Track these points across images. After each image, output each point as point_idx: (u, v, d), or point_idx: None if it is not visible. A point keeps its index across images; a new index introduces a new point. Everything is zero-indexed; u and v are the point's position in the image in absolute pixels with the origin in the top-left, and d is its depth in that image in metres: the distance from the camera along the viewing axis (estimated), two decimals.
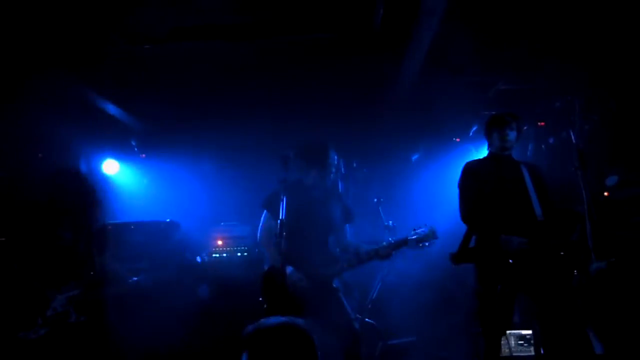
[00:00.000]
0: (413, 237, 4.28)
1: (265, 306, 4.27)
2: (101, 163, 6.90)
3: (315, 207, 4.29)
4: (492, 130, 4.31)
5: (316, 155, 4.37)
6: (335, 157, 4.46)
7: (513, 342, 5.22)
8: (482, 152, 5.21)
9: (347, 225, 4.55)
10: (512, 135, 4.24)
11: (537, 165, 4.46)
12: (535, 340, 5.21)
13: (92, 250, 4.21)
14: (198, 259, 5.80)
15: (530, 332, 5.20)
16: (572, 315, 3.98)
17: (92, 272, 4.15)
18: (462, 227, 4.49)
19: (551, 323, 4.04)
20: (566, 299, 3.98)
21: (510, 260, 3.93)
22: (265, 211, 4.46)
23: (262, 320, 2.21)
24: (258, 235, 4.49)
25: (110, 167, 6.99)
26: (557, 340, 4.04)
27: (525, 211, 4.08)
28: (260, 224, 4.47)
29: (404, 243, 4.26)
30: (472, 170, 4.33)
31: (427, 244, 4.29)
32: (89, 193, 4.32)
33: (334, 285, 4.30)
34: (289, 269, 4.08)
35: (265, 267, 4.45)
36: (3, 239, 4.23)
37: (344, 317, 4.19)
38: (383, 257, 4.24)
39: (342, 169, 6.26)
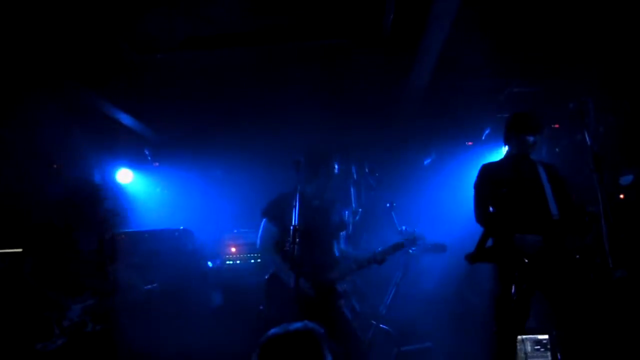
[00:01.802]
0: (404, 241, 4.39)
1: (264, 314, 4.30)
2: (115, 172, 6.94)
3: (318, 214, 4.30)
4: (513, 133, 4.30)
5: (319, 163, 4.39)
6: (337, 166, 4.47)
7: (529, 347, 5.15)
8: (496, 156, 5.18)
9: (342, 233, 4.58)
10: (534, 139, 4.23)
11: (554, 165, 4.45)
12: (551, 345, 5.15)
13: (105, 259, 4.24)
14: (209, 263, 5.82)
15: (546, 336, 5.14)
16: (588, 316, 3.94)
17: (106, 281, 4.17)
18: (477, 231, 4.47)
19: (567, 323, 4.01)
20: (582, 299, 3.95)
21: (525, 260, 3.90)
22: (264, 219, 4.45)
23: (282, 326, 2.22)
24: (258, 242, 4.49)
25: (125, 176, 7.03)
26: (574, 342, 4.00)
27: (540, 210, 4.08)
28: (260, 232, 4.47)
29: (398, 247, 4.35)
30: (488, 172, 4.35)
31: (413, 249, 4.35)
32: (102, 202, 4.35)
33: (337, 291, 4.32)
34: (291, 277, 4.05)
35: (266, 276, 4.45)
36: (19, 250, 4.26)
37: (344, 325, 4.20)
38: (379, 261, 4.32)
39: (354, 175, 6.25)
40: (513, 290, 3.93)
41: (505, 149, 4.52)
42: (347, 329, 4.20)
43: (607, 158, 3.98)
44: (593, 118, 4.02)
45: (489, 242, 4.23)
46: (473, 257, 4.21)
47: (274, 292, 4.26)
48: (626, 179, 5.17)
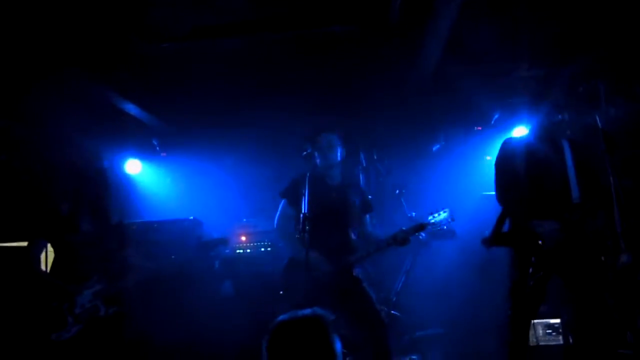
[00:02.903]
0: (430, 222, 4.29)
1: (285, 298, 4.30)
2: (124, 163, 6.97)
3: (332, 195, 4.27)
4: (552, 110, 4.18)
5: (313, 140, 4.38)
6: (332, 139, 4.42)
7: (541, 331, 5.16)
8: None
9: (368, 215, 4.54)
10: (562, 117, 4.13)
11: (583, 143, 4.30)
12: (563, 329, 5.14)
13: (113, 244, 4.26)
14: (216, 264, 5.84)
15: (558, 320, 5.14)
16: (603, 303, 3.91)
17: (114, 265, 4.19)
18: (486, 215, 4.45)
19: (582, 308, 3.99)
20: (598, 286, 3.92)
21: (540, 242, 3.87)
22: (284, 200, 4.47)
23: (291, 312, 2.24)
24: (275, 222, 4.51)
25: (133, 166, 7.06)
26: (588, 327, 3.98)
27: (561, 193, 4.02)
28: (278, 212, 4.49)
29: (421, 227, 4.28)
30: (509, 150, 4.25)
31: (444, 227, 4.28)
32: (106, 187, 4.36)
33: (355, 275, 4.29)
34: (311, 253, 4.05)
35: (285, 261, 4.47)
36: (25, 243, 4.28)
37: (368, 306, 4.18)
38: (400, 242, 4.22)
39: (363, 161, 6.25)
40: (529, 275, 3.92)
41: (519, 134, 4.40)
42: (372, 311, 4.19)
43: (618, 140, 3.91)
44: (604, 100, 3.98)
45: (506, 227, 4.18)
46: (490, 241, 4.17)
47: (294, 276, 4.23)
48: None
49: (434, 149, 7.17)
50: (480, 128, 6.76)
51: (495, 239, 4.16)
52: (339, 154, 4.44)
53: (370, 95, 6.34)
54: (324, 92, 6.19)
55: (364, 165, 6.22)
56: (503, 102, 6.27)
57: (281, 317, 2.23)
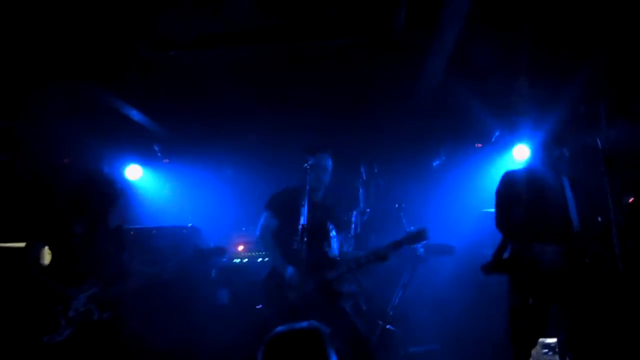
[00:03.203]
0: (404, 238, 4.30)
1: (263, 312, 4.32)
2: (124, 168, 6.98)
3: (316, 213, 4.28)
4: (551, 146, 4.26)
5: (307, 157, 4.37)
6: (327, 159, 4.47)
7: (537, 351, 5.13)
8: (505, 158, 5.15)
9: (342, 235, 4.63)
10: (564, 151, 4.20)
11: (581, 178, 4.37)
12: (560, 349, 5.11)
13: (110, 248, 4.25)
14: (213, 272, 5.83)
15: (555, 340, 5.11)
16: (603, 329, 3.90)
17: (111, 269, 4.18)
18: (484, 232, 4.46)
19: (583, 336, 3.98)
20: (598, 310, 3.91)
21: (540, 267, 3.88)
22: (267, 211, 4.50)
23: (288, 324, 2.24)
24: (257, 233, 4.52)
25: (134, 172, 7.06)
26: (587, 352, 3.97)
27: (561, 222, 4.04)
28: (261, 222, 4.50)
29: (398, 245, 4.25)
30: (510, 180, 4.31)
31: (418, 245, 4.31)
32: (108, 191, 4.36)
33: (341, 291, 4.32)
34: (289, 270, 4.15)
35: (264, 274, 4.49)
36: (22, 244, 4.28)
37: (346, 322, 4.18)
38: (380, 258, 4.25)
39: (363, 175, 6.25)
40: (530, 303, 3.91)
41: (519, 152, 4.43)
42: (350, 329, 4.19)
43: (618, 162, 3.93)
44: (604, 121, 4.00)
45: (506, 254, 4.18)
46: (490, 268, 4.18)
47: (272, 290, 4.27)
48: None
49: (435, 164, 7.19)
50: (480, 145, 6.78)
51: (495, 265, 4.17)
52: (328, 176, 4.51)
53: (372, 109, 6.37)
54: (326, 105, 6.22)
55: (364, 178, 6.21)
56: (504, 120, 6.29)
57: (278, 329, 2.22)
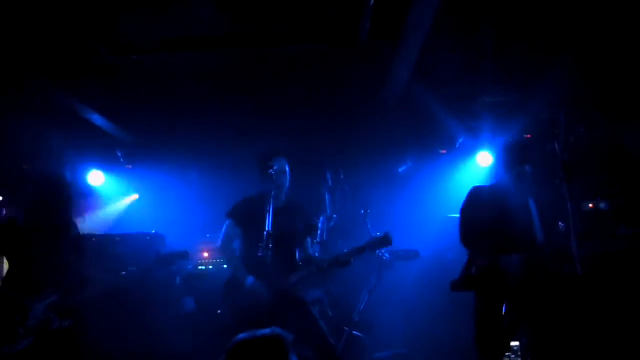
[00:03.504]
0: (367, 244, 4.31)
1: (222, 318, 4.29)
2: (86, 174, 6.84)
3: (277, 218, 4.24)
4: (512, 164, 4.32)
5: (261, 164, 4.39)
6: (284, 163, 4.44)
7: None
8: (469, 164, 5.23)
9: (309, 238, 4.58)
10: (530, 168, 4.28)
11: (547, 202, 4.44)
12: (522, 352, 5.19)
13: (70, 255, 4.16)
14: (177, 279, 5.75)
15: (517, 343, 5.19)
16: (563, 331, 3.99)
17: (71, 277, 4.09)
18: (450, 237, 4.53)
19: (544, 339, 4.07)
20: (559, 317, 4.00)
21: (503, 280, 3.98)
22: (229, 220, 4.47)
23: (250, 331, 2.22)
24: (219, 242, 4.49)
25: (96, 178, 6.93)
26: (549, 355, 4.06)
27: (526, 237, 4.13)
28: (223, 232, 4.47)
29: (362, 250, 4.28)
30: (476, 196, 4.38)
31: (383, 250, 4.33)
32: (65, 198, 4.27)
33: (299, 297, 4.29)
34: (249, 279, 4.13)
35: (225, 280, 4.46)
36: None
37: (313, 327, 4.18)
38: (343, 264, 4.26)
39: (330, 181, 6.27)
40: (500, 317, 3.98)
41: (482, 158, 4.51)
42: (318, 335, 4.18)
43: (577, 168, 4.04)
44: (564, 129, 4.10)
45: (472, 270, 4.24)
46: (458, 285, 4.25)
47: (232, 297, 4.24)
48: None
49: (401, 170, 7.25)
50: (445, 151, 6.87)
51: (463, 282, 4.23)
52: (288, 179, 4.48)
53: (338, 115, 6.40)
54: (292, 111, 6.22)
55: (330, 184, 6.23)
56: (467, 127, 6.39)
57: (240, 336, 2.21)
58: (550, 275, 4.09)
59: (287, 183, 4.47)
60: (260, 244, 3.97)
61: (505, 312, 4.01)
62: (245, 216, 4.37)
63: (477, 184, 4.63)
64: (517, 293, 4.00)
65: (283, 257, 4.26)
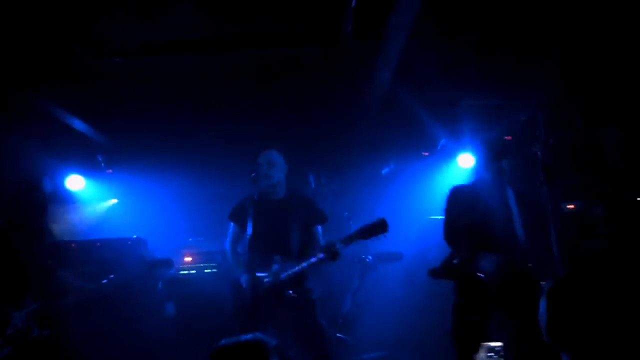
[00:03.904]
0: (358, 229, 4.20)
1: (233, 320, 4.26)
2: (65, 179, 6.75)
3: (275, 213, 4.25)
4: (491, 159, 4.37)
5: (254, 160, 4.39)
6: (272, 154, 4.41)
7: (483, 355, 5.23)
8: (451, 166, 5.26)
9: (318, 226, 4.47)
10: (508, 163, 4.32)
11: (527, 191, 4.51)
12: (505, 353, 5.23)
13: (49, 263, 4.12)
14: (159, 284, 5.69)
15: (500, 344, 5.22)
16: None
17: (51, 285, 4.05)
18: (433, 239, 4.56)
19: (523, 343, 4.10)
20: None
21: (482, 276, 4.00)
22: (231, 223, 4.49)
23: (233, 337, 2.22)
24: (226, 245, 4.50)
25: (75, 182, 6.84)
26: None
27: (506, 235, 4.17)
28: (228, 235, 4.49)
29: (349, 239, 4.14)
30: (458, 194, 4.44)
31: (376, 234, 4.20)
32: (43, 204, 4.23)
33: (291, 295, 4.21)
34: (243, 278, 4.15)
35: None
36: None
37: (314, 333, 4.16)
38: (331, 255, 4.08)
39: (312, 184, 6.27)
40: (472, 308, 4.01)
41: (463, 160, 4.55)
42: (316, 339, 4.18)
43: (557, 170, 4.09)
44: (543, 131, 4.16)
45: (455, 262, 4.30)
46: (435, 273, 4.32)
47: (238, 299, 4.22)
48: None
49: (383, 172, 7.27)
50: (427, 153, 6.91)
51: (441, 271, 4.28)
52: (281, 170, 4.42)
53: (319, 117, 6.40)
54: (273, 114, 6.21)
55: (313, 187, 6.24)
56: (449, 129, 6.44)
57: (222, 342, 2.20)
58: (527, 273, 4.14)
59: (279, 174, 4.40)
60: (259, 242, 3.94)
61: (477, 308, 4.04)
62: (242, 216, 4.34)
63: (457, 184, 4.67)
64: (491, 289, 4.02)
65: (281, 253, 4.20)
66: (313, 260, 4.11)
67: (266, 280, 4.14)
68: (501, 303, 4.09)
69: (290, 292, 4.14)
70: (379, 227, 4.13)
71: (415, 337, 5.98)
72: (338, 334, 5.61)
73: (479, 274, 4.02)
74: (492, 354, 5.22)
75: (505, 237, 4.16)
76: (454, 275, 4.23)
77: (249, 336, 2.22)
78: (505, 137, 6.16)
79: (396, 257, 6.00)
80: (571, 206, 5.76)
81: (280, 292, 4.14)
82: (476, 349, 4.17)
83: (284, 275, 4.14)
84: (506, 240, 4.15)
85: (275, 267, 4.13)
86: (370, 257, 5.77)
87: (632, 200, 5.54)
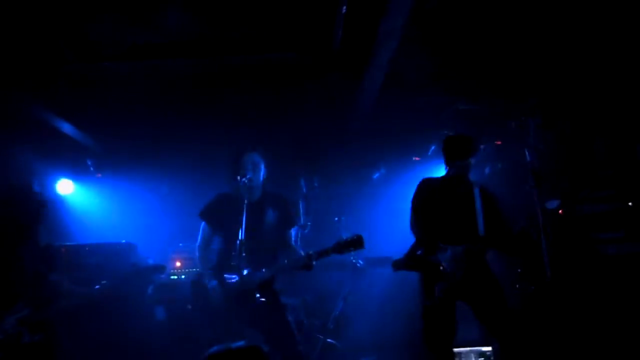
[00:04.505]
0: (335, 243, 4.23)
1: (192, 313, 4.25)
2: (55, 183, 6.70)
3: (249, 215, 4.17)
4: (451, 157, 4.44)
5: (232, 163, 4.38)
6: (254, 157, 4.40)
7: (473, 359, 5.26)
8: (441, 171, 5.28)
9: (291, 230, 4.52)
10: (467, 162, 4.38)
11: (491, 189, 4.57)
12: (495, 357, 5.26)
13: (40, 268, 4.09)
14: (150, 289, 5.65)
15: (490, 348, 5.26)
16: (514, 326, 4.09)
17: (42, 290, 4.02)
18: None
19: (495, 334, 4.16)
20: (502, 311, 4.09)
21: (442, 268, 4.08)
22: (203, 222, 4.47)
23: (224, 344, 2.20)
24: (198, 243, 4.47)
25: (65, 187, 6.80)
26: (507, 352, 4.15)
27: (468, 228, 4.22)
28: (199, 233, 4.47)
29: (325, 253, 4.19)
30: (424, 187, 4.50)
31: (352, 250, 4.26)
32: (33, 209, 4.20)
33: (274, 298, 4.24)
34: (213, 283, 4.14)
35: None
36: None
37: (286, 334, 4.16)
38: (303, 267, 4.15)
39: (304, 189, 6.27)
40: (435, 298, 4.05)
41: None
42: (286, 338, 4.16)
43: (547, 175, 4.13)
44: (533, 136, 4.20)
45: (419, 253, 4.34)
46: (400, 264, 4.36)
47: (200, 293, 4.22)
48: (552, 204, 5.40)
49: (374, 177, 7.29)
50: (418, 159, 6.93)
51: (403, 263, 4.33)
52: (262, 172, 4.42)
53: (312, 122, 6.40)
54: (265, 119, 6.20)
55: (305, 192, 6.24)
56: (439, 135, 6.47)
57: (214, 349, 2.18)
58: (485, 265, 4.21)
59: (261, 178, 4.40)
60: (234, 253, 3.95)
61: (441, 300, 4.08)
62: (218, 215, 4.35)
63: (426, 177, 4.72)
64: (452, 280, 4.07)
65: (255, 255, 4.17)
66: (286, 267, 4.22)
67: (236, 283, 4.13)
68: (463, 293, 4.13)
69: (259, 295, 4.13)
70: (356, 243, 4.23)
71: (405, 342, 5.98)
72: (328, 340, 5.61)
73: (442, 266, 4.09)
74: (482, 358, 5.29)
75: (466, 229, 4.22)
76: (415, 266, 4.28)
77: (241, 343, 2.20)
78: (496, 142, 6.24)
79: (387, 262, 6.00)
80: (561, 211, 5.80)
81: (251, 296, 4.12)
82: (450, 344, 4.23)
83: (254, 278, 4.14)
84: (467, 232, 4.20)
85: (246, 270, 4.12)
86: (361, 262, 5.78)
87: (620, 205, 5.59)
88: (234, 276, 4.15)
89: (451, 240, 4.16)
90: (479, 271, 4.14)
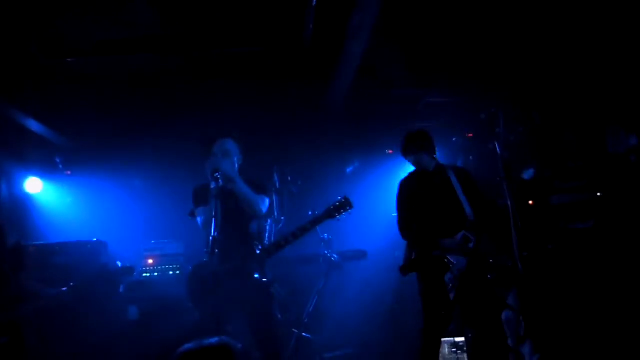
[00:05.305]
0: (324, 212, 4.24)
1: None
2: (23, 181, 6.55)
3: (226, 200, 4.01)
4: (404, 152, 4.57)
5: (208, 149, 4.24)
6: (226, 143, 4.24)
7: (447, 350, 5.31)
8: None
9: (265, 197, 4.30)
10: (425, 158, 4.46)
11: (463, 168, 4.71)
12: (468, 348, 5.32)
13: (6, 267, 4.00)
14: (121, 287, 5.54)
15: (463, 339, 5.31)
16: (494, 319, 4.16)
17: (8, 291, 3.93)
18: (397, 236, 4.61)
19: (476, 325, 4.21)
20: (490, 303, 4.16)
21: (446, 260, 4.17)
22: (200, 208, 4.21)
23: (196, 341, 2.16)
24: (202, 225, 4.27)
25: (33, 185, 6.65)
26: (482, 344, 4.21)
27: (456, 213, 4.28)
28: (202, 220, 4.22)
29: (317, 221, 4.20)
30: (404, 187, 4.57)
31: (344, 213, 4.26)
32: (4, 207, 4.11)
33: (257, 282, 4.12)
34: (203, 271, 3.99)
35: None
36: None
37: (267, 327, 4.09)
38: (298, 237, 4.14)
39: (277, 183, 6.23)
40: (446, 291, 4.10)
41: None
42: (268, 332, 4.10)
43: (517, 166, 4.19)
44: (503, 128, 4.24)
45: (419, 251, 4.37)
46: (406, 269, 4.38)
47: (196, 288, 4.09)
48: (528, 173, 5.51)
49: (348, 170, 7.29)
50: (391, 151, 6.95)
51: (410, 266, 4.36)
52: (235, 160, 4.23)
53: (284, 116, 6.37)
54: (237, 113, 6.15)
55: (277, 186, 6.21)
56: (412, 127, 6.48)
57: (186, 346, 2.14)
58: (482, 257, 4.28)
59: (235, 165, 4.22)
60: (206, 250, 3.87)
61: (443, 296, 4.14)
62: (205, 200, 4.10)
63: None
64: (455, 276, 4.12)
65: (233, 237, 4.05)
66: (272, 250, 4.14)
67: (225, 267, 4.05)
68: (463, 291, 4.17)
69: (249, 278, 4.06)
70: (345, 205, 4.29)
71: (381, 335, 6.02)
72: (303, 334, 5.60)
73: (445, 259, 4.15)
74: (456, 349, 5.34)
75: (455, 215, 4.28)
76: (423, 266, 4.30)
77: (214, 340, 2.17)
78: (467, 134, 6.29)
79: (361, 255, 6.03)
80: (531, 202, 5.87)
81: (238, 279, 4.02)
82: (445, 326, 4.29)
83: (249, 263, 4.07)
84: (457, 218, 4.26)
85: (235, 256, 4.04)
86: (335, 256, 5.78)
87: (591, 195, 5.69)
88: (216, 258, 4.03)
89: (446, 232, 4.23)
90: (479, 259, 4.23)
